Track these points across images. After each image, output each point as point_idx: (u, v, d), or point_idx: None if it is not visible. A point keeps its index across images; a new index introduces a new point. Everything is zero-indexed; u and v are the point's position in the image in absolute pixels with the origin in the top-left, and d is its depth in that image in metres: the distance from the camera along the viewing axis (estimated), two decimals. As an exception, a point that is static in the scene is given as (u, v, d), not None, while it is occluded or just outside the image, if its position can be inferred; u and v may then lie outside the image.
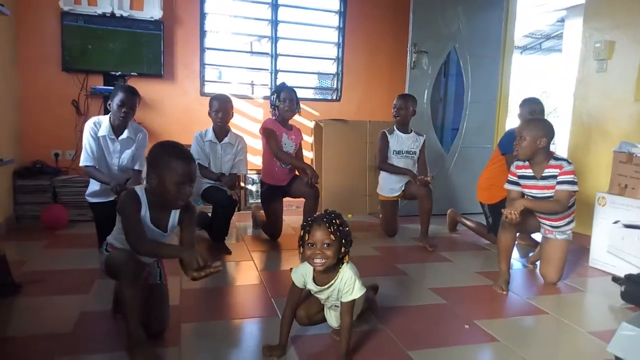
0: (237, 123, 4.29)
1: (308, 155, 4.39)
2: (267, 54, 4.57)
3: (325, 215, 1.65)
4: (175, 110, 4.25)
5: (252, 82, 4.57)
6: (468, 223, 3.64)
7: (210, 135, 3.17)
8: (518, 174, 2.55)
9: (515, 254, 3.23)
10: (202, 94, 4.30)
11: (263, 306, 2.23)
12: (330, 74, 4.88)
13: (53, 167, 3.85)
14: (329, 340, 1.89)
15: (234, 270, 2.80)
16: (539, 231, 2.75)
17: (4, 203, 3.37)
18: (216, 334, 1.93)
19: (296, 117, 3.62)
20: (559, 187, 2.39)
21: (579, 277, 2.83)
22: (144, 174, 1.99)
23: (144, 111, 4.01)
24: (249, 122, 4.47)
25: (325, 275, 1.70)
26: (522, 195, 2.55)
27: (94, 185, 2.88)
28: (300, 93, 3.49)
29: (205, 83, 4.38)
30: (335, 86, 4.83)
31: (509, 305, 2.41)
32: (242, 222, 3.93)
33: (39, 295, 2.23)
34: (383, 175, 3.55)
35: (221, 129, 3.20)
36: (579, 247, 3.24)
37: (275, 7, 4.48)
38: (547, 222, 2.61)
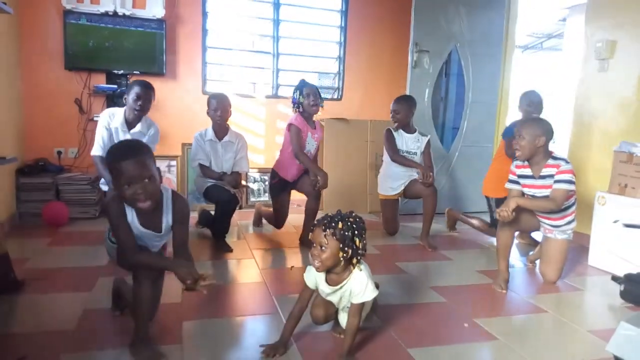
0: (239, 122, 4.31)
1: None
2: (269, 52, 4.58)
3: (328, 217, 1.64)
4: (177, 108, 4.26)
5: (254, 82, 4.57)
6: (469, 220, 3.65)
7: (210, 134, 3.18)
8: (518, 173, 2.56)
9: (515, 253, 3.25)
10: (204, 92, 4.31)
11: (264, 304, 2.25)
12: (332, 73, 4.89)
13: (56, 164, 3.87)
14: (330, 338, 1.91)
15: (236, 268, 2.81)
16: (538, 230, 2.76)
17: (7, 201, 3.39)
18: (217, 331, 1.95)
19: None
20: (555, 185, 2.40)
21: (578, 276, 2.84)
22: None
23: (146, 109, 4.02)
24: (251, 120, 4.49)
25: (336, 275, 1.71)
26: (522, 194, 2.56)
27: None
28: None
29: (207, 81, 4.40)
30: (336, 85, 4.83)
31: (508, 304, 2.43)
32: (243, 220, 3.94)
33: (42, 292, 2.25)
34: (382, 174, 3.56)
35: (220, 128, 3.20)
36: (579, 246, 3.25)
37: (277, 6, 4.49)
38: (547, 222, 2.62)
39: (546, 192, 2.45)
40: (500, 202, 3.17)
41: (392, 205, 3.55)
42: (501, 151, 3.36)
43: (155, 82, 4.10)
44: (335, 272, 1.70)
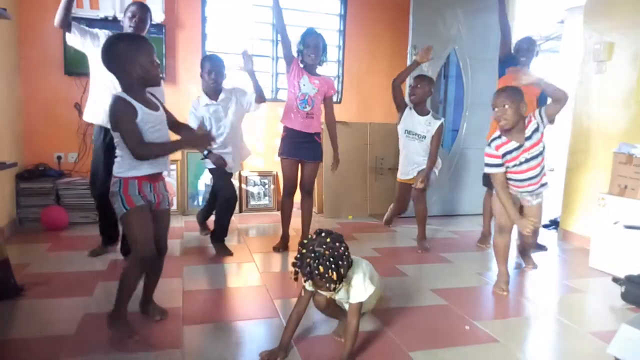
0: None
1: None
2: (268, 56, 4.59)
3: (305, 260, 1.62)
4: (177, 113, 4.19)
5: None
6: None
7: (205, 99, 3.03)
8: (502, 152, 2.45)
9: (514, 252, 3.24)
10: (204, 96, 4.31)
11: (265, 308, 2.24)
12: (331, 76, 4.89)
13: (56, 169, 3.87)
14: (331, 342, 1.90)
15: (236, 271, 2.81)
16: (534, 249, 2.85)
17: (7, 206, 3.39)
18: (218, 335, 1.95)
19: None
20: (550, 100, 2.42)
21: (579, 277, 2.84)
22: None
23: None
24: (250, 124, 4.48)
25: None
26: (506, 178, 2.51)
27: None
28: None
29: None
30: (336, 88, 4.84)
31: (509, 306, 2.42)
32: (243, 223, 3.94)
33: (42, 297, 2.25)
34: (400, 160, 3.50)
35: (214, 91, 3.04)
36: (579, 248, 3.25)
37: (276, 9, 4.49)
38: (526, 190, 2.54)
39: (537, 148, 2.42)
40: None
41: (404, 188, 3.53)
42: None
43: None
44: None
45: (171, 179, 4.21)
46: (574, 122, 3.75)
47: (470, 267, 2.97)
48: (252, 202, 4.48)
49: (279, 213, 3.44)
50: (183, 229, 3.72)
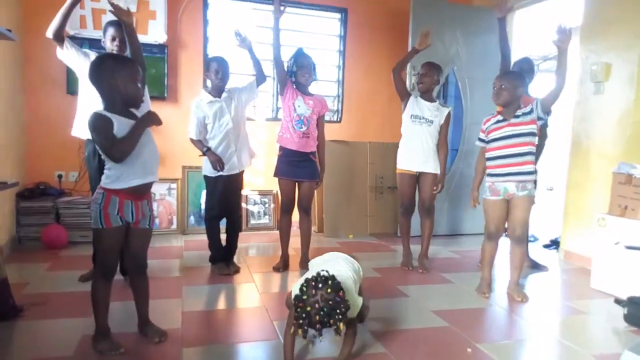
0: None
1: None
2: (269, 76, 4.63)
3: (307, 317, 1.63)
4: (178, 132, 4.27)
5: (254, 105, 4.60)
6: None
7: (208, 96, 3.03)
8: (489, 123, 2.79)
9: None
10: (205, 115, 4.34)
11: (264, 330, 2.23)
12: (331, 96, 4.94)
13: (56, 188, 3.87)
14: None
15: (236, 292, 2.79)
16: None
17: (6, 225, 3.39)
18: (218, 358, 1.93)
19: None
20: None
21: (581, 299, 2.82)
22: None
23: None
24: (251, 142, 4.50)
25: None
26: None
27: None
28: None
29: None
30: (336, 108, 4.88)
31: (511, 328, 2.40)
32: (243, 242, 3.92)
33: (40, 318, 2.23)
34: (401, 149, 3.39)
35: (218, 90, 3.04)
36: (580, 268, 3.24)
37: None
38: (509, 171, 2.68)
39: (524, 128, 2.65)
40: None
41: (408, 179, 3.33)
42: None
43: (157, 106, 4.14)
44: None
45: (172, 198, 4.21)
46: (572, 141, 3.76)
47: (472, 287, 2.94)
48: (252, 221, 4.47)
49: (278, 232, 3.43)
50: (182, 249, 3.70)
